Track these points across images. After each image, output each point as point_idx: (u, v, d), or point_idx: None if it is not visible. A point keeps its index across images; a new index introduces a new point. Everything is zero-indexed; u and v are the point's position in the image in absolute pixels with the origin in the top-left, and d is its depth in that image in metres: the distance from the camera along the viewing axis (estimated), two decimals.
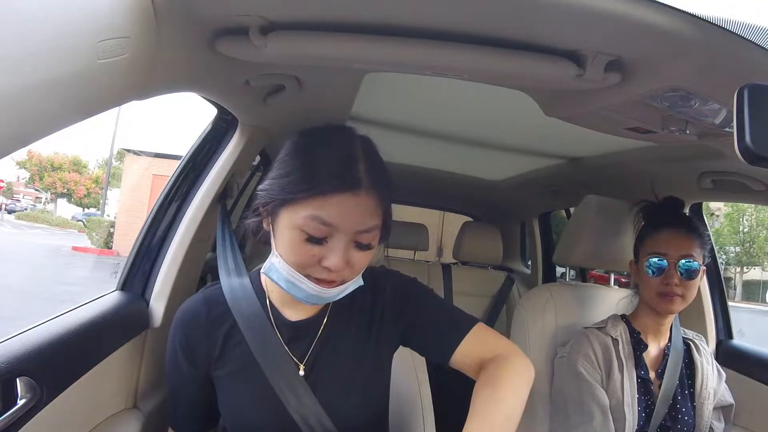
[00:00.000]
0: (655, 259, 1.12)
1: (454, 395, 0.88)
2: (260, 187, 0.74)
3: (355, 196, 0.68)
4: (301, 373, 0.78)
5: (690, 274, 1.10)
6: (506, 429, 0.69)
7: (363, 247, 0.71)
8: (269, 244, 0.76)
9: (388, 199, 0.73)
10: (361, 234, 0.69)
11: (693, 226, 1.14)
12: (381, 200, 0.71)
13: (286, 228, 0.70)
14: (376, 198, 0.70)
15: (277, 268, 0.72)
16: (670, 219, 1.15)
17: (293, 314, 0.82)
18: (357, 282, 0.76)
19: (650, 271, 1.13)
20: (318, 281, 0.71)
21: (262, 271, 0.77)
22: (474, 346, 0.81)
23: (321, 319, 0.82)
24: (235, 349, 0.79)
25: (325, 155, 0.70)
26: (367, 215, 0.69)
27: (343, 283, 0.72)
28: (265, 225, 0.76)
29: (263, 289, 0.83)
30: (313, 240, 0.68)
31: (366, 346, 0.83)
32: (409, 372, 1.09)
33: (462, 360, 0.81)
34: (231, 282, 0.84)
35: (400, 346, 0.87)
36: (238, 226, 0.85)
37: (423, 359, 1.11)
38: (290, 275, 0.71)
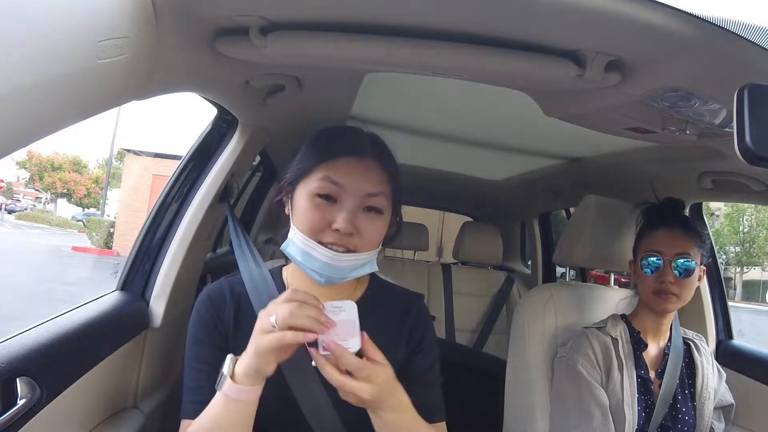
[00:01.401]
0: (652, 258, 1.13)
1: (455, 395, 0.89)
2: (283, 178, 0.82)
3: (361, 160, 0.76)
4: (314, 363, 0.78)
5: (686, 273, 1.10)
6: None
7: (372, 210, 0.76)
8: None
9: (396, 176, 0.79)
10: (369, 197, 0.75)
11: (690, 226, 1.14)
12: (387, 172, 0.78)
13: (302, 197, 0.76)
14: (382, 168, 0.77)
15: (294, 241, 0.76)
16: (667, 218, 1.16)
17: None
18: (372, 265, 0.78)
19: (647, 270, 1.13)
20: (329, 247, 0.74)
21: (281, 248, 0.79)
22: None
23: None
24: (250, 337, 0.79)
25: (336, 136, 0.81)
26: (373, 179, 0.76)
27: (354, 251, 0.75)
28: (286, 210, 0.81)
29: (283, 282, 0.86)
30: (325, 199, 0.74)
31: (385, 354, 0.81)
32: None
33: None
34: (251, 271, 0.86)
35: None
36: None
37: None
38: (305, 244, 0.75)
